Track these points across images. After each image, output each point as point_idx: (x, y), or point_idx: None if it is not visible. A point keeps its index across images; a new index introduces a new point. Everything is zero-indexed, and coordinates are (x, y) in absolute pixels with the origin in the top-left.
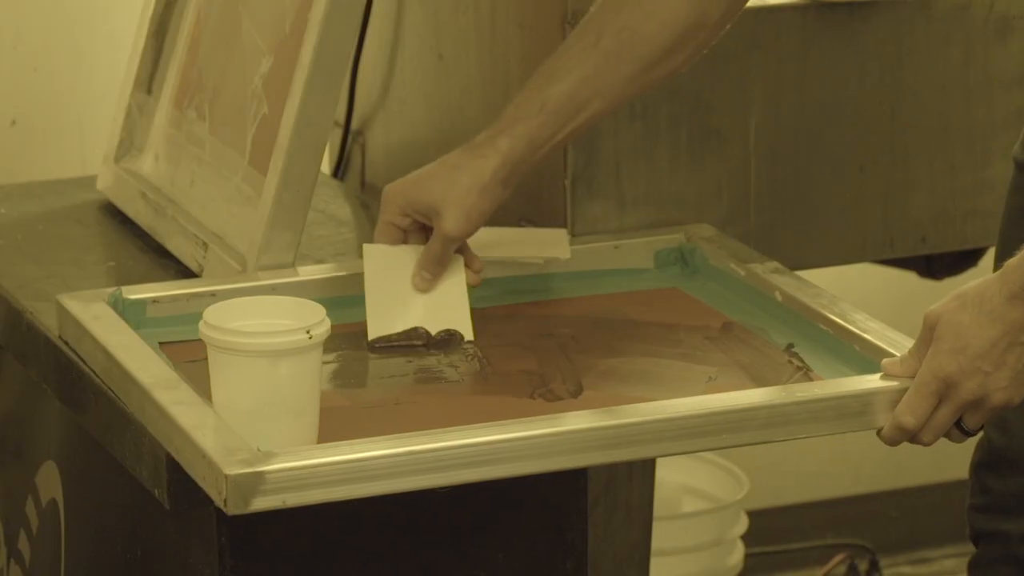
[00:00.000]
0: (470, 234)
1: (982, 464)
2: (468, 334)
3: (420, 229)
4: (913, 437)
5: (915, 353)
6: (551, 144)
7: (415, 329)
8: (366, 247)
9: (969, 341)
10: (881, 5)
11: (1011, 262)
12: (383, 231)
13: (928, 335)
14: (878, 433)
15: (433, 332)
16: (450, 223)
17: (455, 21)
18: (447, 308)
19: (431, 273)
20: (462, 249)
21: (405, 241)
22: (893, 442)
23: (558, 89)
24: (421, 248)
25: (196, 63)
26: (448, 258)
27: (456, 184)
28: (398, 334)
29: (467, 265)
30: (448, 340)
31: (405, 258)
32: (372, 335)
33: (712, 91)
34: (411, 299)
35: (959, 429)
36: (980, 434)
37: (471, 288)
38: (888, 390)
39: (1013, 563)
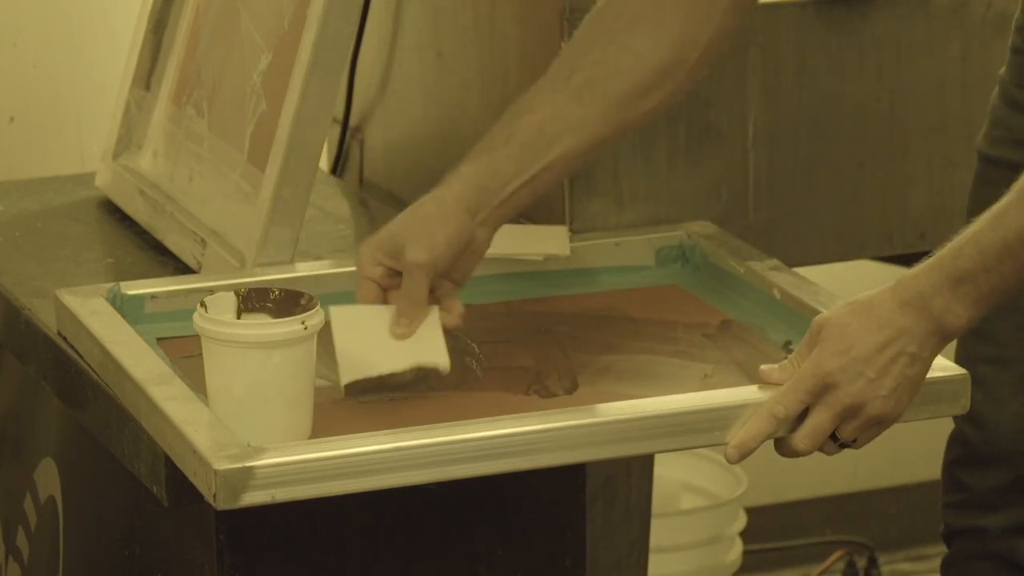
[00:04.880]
0: (434, 262)
1: (956, 461)
2: (445, 364)
3: (398, 281)
4: (787, 445)
5: (796, 359)
6: (521, 179)
7: (391, 375)
8: (333, 310)
9: (854, 343)
10: (880, 2)
11: (906, 273)
12: (363, 289)
13: (813, 340)
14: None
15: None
16: (412, 252)
17: (454, 18)
18: (422, 348)
19: (409, 317)
20: (439, 292)
21: (385, 300)
22: (756, 438)
23: (527, 121)
24: (391, 308)
25: (195, 60)
26: (422, 294)
27: (418, 216)
28: (373, 378)
29: (445, 308)
30: (424, 377)
31: (375, 314)
32: (345, 380)
33: (710, 88)
34: (384, 346)
35: (834, 440)
36: (953, 428)
37: (448, 330)
38: None
39: (991, 558)
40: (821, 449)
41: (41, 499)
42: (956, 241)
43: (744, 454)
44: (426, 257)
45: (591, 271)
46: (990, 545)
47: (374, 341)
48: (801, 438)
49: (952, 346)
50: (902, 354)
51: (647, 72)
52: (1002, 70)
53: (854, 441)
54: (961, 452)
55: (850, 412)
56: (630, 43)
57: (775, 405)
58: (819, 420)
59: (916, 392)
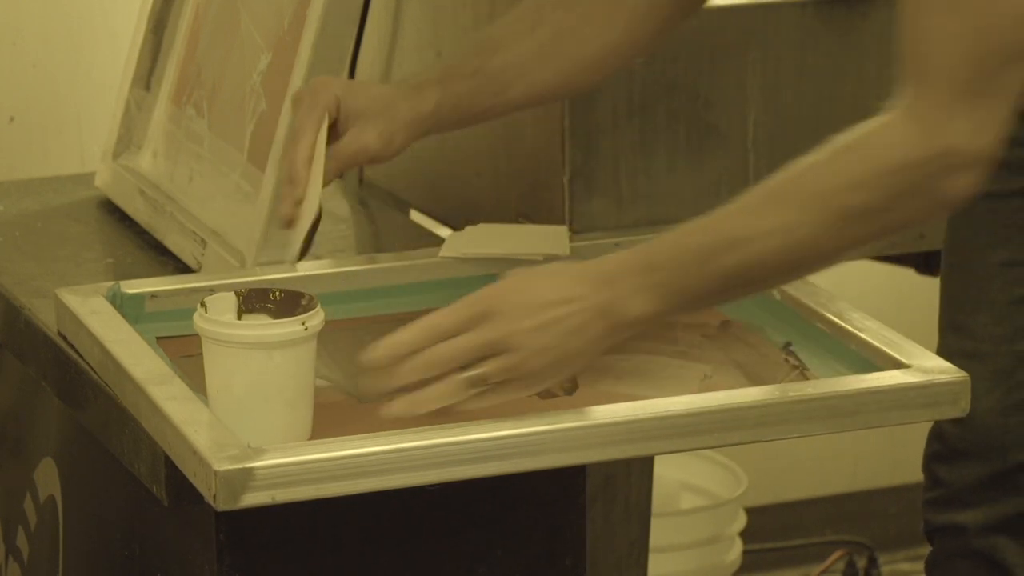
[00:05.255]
0: (384, 156)
1: (935, 457)
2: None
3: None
4: (423, 356)
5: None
6: (469, 114)
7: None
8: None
9: (527, 291)
10: (880, 2)
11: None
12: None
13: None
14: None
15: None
16: (373, 137)
17: (454, 18)
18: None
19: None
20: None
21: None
22: (400, 343)
23: (492, 62)
24: None
25: (195, 59)
26: (350, 166)
27: (392, 107)
28: None
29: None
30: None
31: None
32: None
33: (710, 87)
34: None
35: (471, 381)
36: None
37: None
38: (883, 390)
39: (971, 556)
40: (441, 390)
41: (41, 499)
42: (662, 235)
43: (384, 357)
44: (382, 149)
45: None
46: (970, 543)
47: None
48: (441, 346)
49: (933, 341)
50: (567, 320)
51: (602, 46)
52: None
53: (484, 387)
54: (939, 447)
55: (496, 347)
56: (589, 14)
57: (432, 316)
58: (463, 338)
59: (567, 369)
